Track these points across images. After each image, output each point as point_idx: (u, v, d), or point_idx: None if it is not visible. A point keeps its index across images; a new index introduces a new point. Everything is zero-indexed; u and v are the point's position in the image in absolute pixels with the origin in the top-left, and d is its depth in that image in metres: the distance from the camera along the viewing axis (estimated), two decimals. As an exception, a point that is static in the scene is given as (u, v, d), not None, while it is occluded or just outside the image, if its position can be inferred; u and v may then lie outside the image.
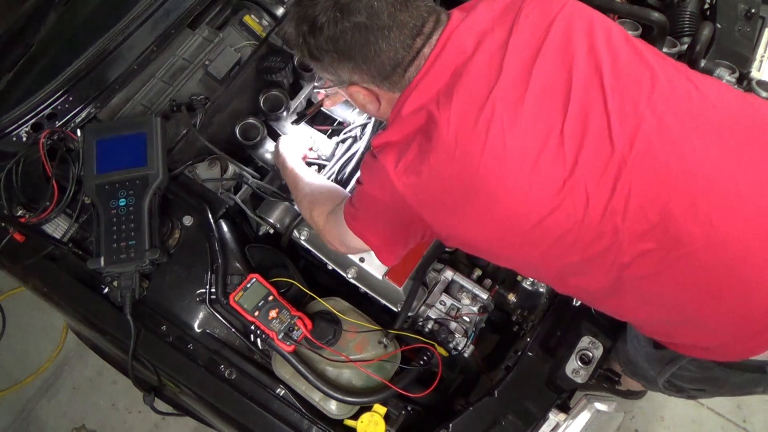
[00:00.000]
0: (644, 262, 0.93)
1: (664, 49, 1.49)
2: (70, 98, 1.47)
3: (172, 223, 1.34)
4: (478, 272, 1.43)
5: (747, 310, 0.94)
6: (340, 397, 1.16)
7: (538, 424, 1.16)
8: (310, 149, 1.53)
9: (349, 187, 1.42)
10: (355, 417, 1.20)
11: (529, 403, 1.19)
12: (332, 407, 1.20)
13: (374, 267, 1.31)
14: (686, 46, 1.53)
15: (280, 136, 1.53)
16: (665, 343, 1.14)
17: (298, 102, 1.57)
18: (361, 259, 1.31)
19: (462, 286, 1.36)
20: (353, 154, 1.48)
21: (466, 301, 1.33)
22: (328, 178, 1.46)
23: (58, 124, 1.44)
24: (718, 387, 1.22)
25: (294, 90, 1.60)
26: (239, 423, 1.23)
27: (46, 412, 2.30)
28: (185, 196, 1.37)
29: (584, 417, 1.12)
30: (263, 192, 1.44)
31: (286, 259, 1.35)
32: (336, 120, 1.64)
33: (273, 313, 1.18)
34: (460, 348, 1.29)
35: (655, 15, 1.41)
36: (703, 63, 1.46)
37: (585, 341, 1.26)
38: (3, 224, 1.33)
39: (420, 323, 1.34)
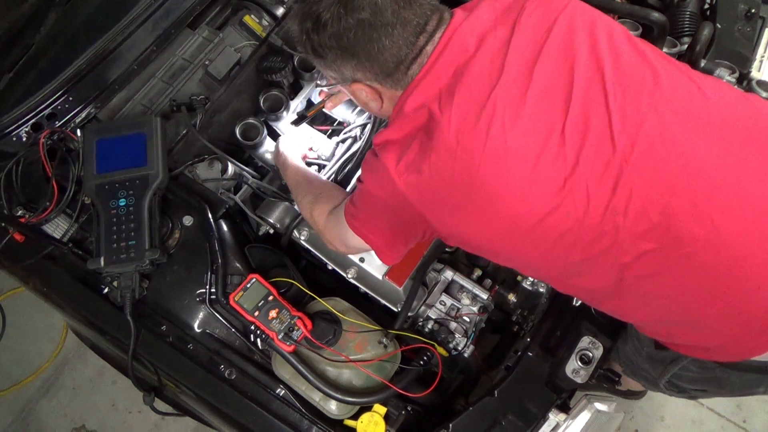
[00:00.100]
0: (645, 262, 0.93)
1: (664, 49, 1.49)
2: (70, 98, 1.46)
3: (172, 223, 1.34)
4: (478, 272, 1.43)
5: (748, 310, 0.94)
6: (340, 397, 1.16)
7: (538, 424, 1.16)
8: (310, 149, 1.53)
9: (349, 187, 1.42)
10: (355, 417, 1.20)
11: (529, 403, 1.19)
12: (332, 407, 1.20)
13: (374, 267, 1.31)
14: (686, 46, 1.53)
15: (280, 136, 1.53)
16: (666, 343, 1.14)
17: (298, 102, 1.57)
18: (361, 259, 1.31)
19: (462, 286, 1.36)
20: (353, 154, 1.48)
21: (466, 301, 1.33)
22: (328, 178, 1.46)
23: (58, 124, 1.44)
24: (719, 387, 1.22)
25: (294, 90, 1.60)
26: (239, 423, 1.23)
27: (46, 412, 2.30)
28: (185, 196, 1.37)
29: (584, 417, 1.12)
30: (263, 192, 1.44)
31: (286, 259, 1.35)
32: (336, 120, 1.64)
33: (273, 313, 1.18)
34: (460, 348, 1.29)
35: (655, 15, 1.42)
36: (703, 63, 1.46)
37: (585, 341, 1.26)
38: (3, 224, 1.33)
39: (420, 323, 1.34)
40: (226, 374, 1.24)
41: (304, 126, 1.54)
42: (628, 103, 0.92)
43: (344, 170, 1.47)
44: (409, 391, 1.20)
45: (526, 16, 0.99)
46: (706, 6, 1.66)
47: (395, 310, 1.31)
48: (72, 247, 1.32)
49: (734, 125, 0.94)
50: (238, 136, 1.48)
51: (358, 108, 1.58)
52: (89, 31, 1.57)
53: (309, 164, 1.48)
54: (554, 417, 1.15)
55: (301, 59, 1.54)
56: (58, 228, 1.33)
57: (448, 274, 1.37)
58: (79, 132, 1.41)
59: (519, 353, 1.27)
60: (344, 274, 1.33)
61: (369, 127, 1.49)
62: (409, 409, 1.25)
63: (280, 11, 1.81)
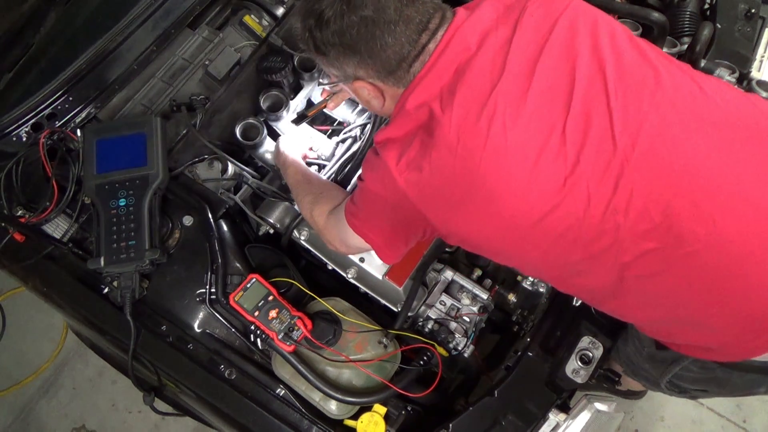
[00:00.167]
0: (646, 262, 0.93)
1: (664, 49, 1.49)
2: (70, 98, 1.47)
3: (172, 223, 1.34)
4: (478, 272, 1.43)
5: (749, 310, 0.94)
6: (340, 397, 1.16)
7: (538, 424, 1.16)
8: (310, 149, 1.53)
9: (349, 187, 1.42)
10: (355, 417, 1.20)
11: (529, 403, 1.19)
12: (332, 407, 1.20)
13: (374, 267, 1.31)
14: (686, 46, 1.53)
15: (280, 135, 1.53)
16: (667, 343, 1.14)
17: (298, 102, 1.57)
18: (361, 259, 1.31)
19: (462, 286, 1.36)
20: (353, 154, 1.48)
21: (466, 301, 1.33)
22: (328, 178, 1.46)
23: (58, 124, 1.44)
24: (720, 388, 1.22)
25: (294, 90, 1.60)
26: (239, 423, 1.23)
27: (46, 412, 2.30)
28: (185, 196, 1.37)
29: (584, 417, 1.12)
30: (263, 192, 1.44)
31: (286, 259, 1.35)
32: (336, 120, 1.64)
33: (273, 313, 1.18)
34: (460, 348, 1.29)
35: (655, 15, 1.42)
36: (703, 63, 1.46)
37: (585, 341, 1.26)
38: (3, 224, 1.33)
39: (420, 323, 1.34)
40: (226, 374, 1.24)
41: (304, 126, 1.54)
42: (630, 102, 0.92)
43: (344, 170, 1.47)
44: (409, 391, 1.20)
45: (528, 16, 0.99)
46: (706, 6, 1.66)
47: (395, 310, 1.31)
48: (72, 247, 1.32)
49: (735, 125, 0.94)
50: (238, 136, 1.48)
51: (358, 108, 1.58)
52: (89, 31, 1.57)
53: (309, 164, 1.48)
54: (554, 417, 1.15)
55: (301, 59, 1.53)
56: (58, 228, 1.33)
57: (448, 274, 1.37)
58: (79, 132, 1.41)
59: (519, 353, 1.27)
60: (344, 274, 1.32)
61: (369, 127, 1.49)
62: (409, 409, 1.25)
63: (280, 11, 1.81)
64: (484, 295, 1.34)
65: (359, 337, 1.23)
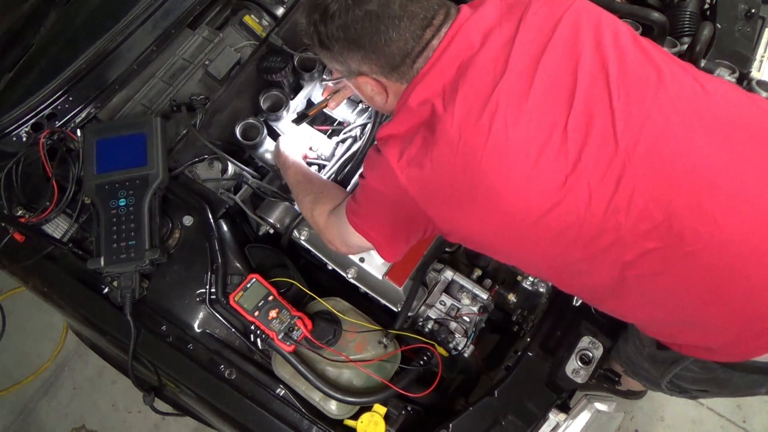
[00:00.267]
0: (647, 261, 0.93)
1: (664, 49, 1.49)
2: (70, 98, 1.47)
3: (172, 223, 1.34)
4: (478, 272, 1.43)
5: (750, 310, 0.94)
6: (340, 397, 1.16)
7: (538, 424, 1.16)
8: (310, 149, 1.53)
9: (349, 187, 1.42)
10: (355, 417, 1.20)
11: (529, 403, 1.19)
12: (332, 407, 1.20)
13: (374, 267, 1.31)
14: (686, 46, 1.53)
15: (280, 136, 1.53)
16: (668, 343, 1.14)
17: (298, 102, 1.57)
18: (361, 260, 1.31)
19: (462, 286, 1.36)
20: (353, 154, 1.48)
21: (466, 301, 1.33)
22: (328, 178, 1.46)
23: (58, 124, 1.44)
24: (721, 388, 1.21)
25: (294, 90, 1.60)
26: (239, 423, 1.23)
27: (46, 412, 2.30)
28: (185, 196, 1.37)
29: (584, 417, 1.12)
30: (263, 192, 1.44)
31: (286, 259, 1.35)
32: (336, 120, 1.64)
33: (273, 313, 1.18)
34: (460, 348, 1.29)
35: (655, 15, 1.42)
36: (703, 63, 1.46)
37: (585, 341, 1.26)
38: (3, 224, 1.33)
39: (420, 323, 1.34)
40: (226, 374, 1.24)
41: (304, 126, 1.54)
42: (632, 101, 0.92)
43: (344, 170, 1.47)
44: (409, 391, 1.20)
45: (532, 14, 0.99)
46: (706, 6, 1.66)
47: (395, 310, 1.31)
48: (72, 247, 1.32)
49: (738, 125, 0.94)
50: (238, 136, 1.48)
51: (359, 108, 1.58)
52: (89, 31, 1.57)
53: (309, 164, 1.47)
54: (554, 417, 1.15)
55: (301, 59, 1.53)
56: (58, 228, 1.33)
57: (448, 274, 1.37)
58: (79, 132, 1.41)
59: (519, 353, 1.27)
60: (344, 274, 1.32)
61: (369, 126, 1.49)
62: (409, 409, 1.25)
63: (280, 11, 1.81)
64: (484, 295, 1.34)
65: (359, 337, 1.23)
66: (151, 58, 1.56)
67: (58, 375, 2.35)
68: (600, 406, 1.14)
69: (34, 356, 2.37)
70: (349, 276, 1.32)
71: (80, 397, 2.31)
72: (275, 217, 1.38)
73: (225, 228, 1.35)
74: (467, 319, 1.32)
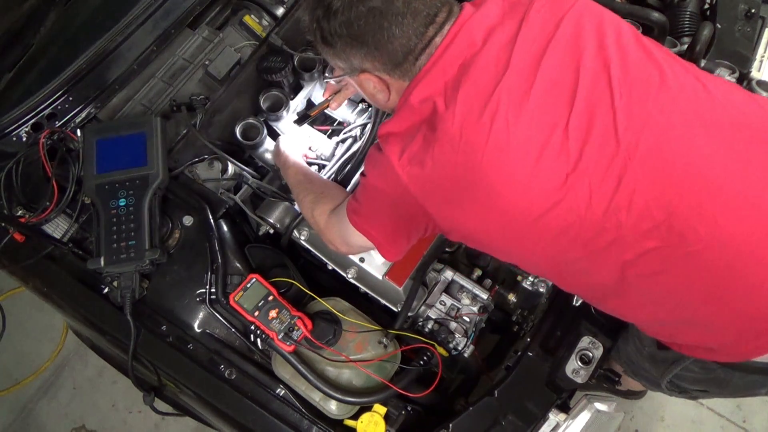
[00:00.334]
0: (648, 260, 0.93)
1: (665, 49, 1.49)
2: (70, 98, 1.47)
3: (172, 223, 1.34)
4: (478, 272, 1.43)
5: (751, 310, 0.94)
6: (340, 397, 1.16)
7: (538, 424, 1.16)
8: (310, 149, 1.53)
9: (350, 187, 1.42)
10: (355, 417, 1.20)
11: (529, 403, 1.19)
12: (332, 407, 1.20)
13: (374, 267, 1.31)
14: (686, 46, 1.53)
15: (279, 136, 1.53)
16: (668, 343, 1.14)
17: (298, 102, 1.57)
18: (361, 260, 1.31)
19: (462, 286, 1.36)
20: (353, 154, 1.48)
21: (466, 301, 1.33)
22: (328, 179, 1.46)
23: (58, 124, 1.44)
24: (721, 388, 1.21)
25: (294, 90, 1.60)
26: (239, 423, 1.23)
27: (46, 412, 2.30)
28: (185, 196, 1.37)
29: (584, 417, 1.12)
30: (263, 192, 1.44)
31: (286, 259, 1.35)
32: (336, 120, 1.64)
33: (273, 313, 1.18)
34: (460, 348, 1.29)
35: (655, 15, 1.42)
36: (703, 63, 1.46)
37: (585, 341, 1.26)
38: (3, 224, 1.33)
39: (420, 323, 1.34)
40: (226, 374, 1.24)
41: (304, 126, 1.54)
42: (634, 101, 0.92)
43: (344, 170, 1.47)
44: (409, 391, 1.20)
45: (534, 12, 1.00)
46: (706, 6, 1.66)
47: (395, 310, 1.31)
48: (72, 247, 1.32)
49: (740, 125, 0.94)
50: (238, 136, 1.48)
51: (359, 108, 1.58)
52: (89, 31, 1.57)
53: (309, 164, 1.47)
54: (554, 417, 1.15)
55: (301, 59, 1.53)
56: (58, 228, 1.33)
57: (448, 274, 1.37)
58: (79, 132, 1.41)
59: (519, 353, 1.27)
60: (344, 274, 1.32)
61: (369, 126, 1.49)
62: (409, 409, 1.25)
63: (280, 11, 1.81)
64: (484, 295, 1.34)
65: (359, 337, 1.23)
66: (151, 58, 1.56)
67: (58, 375, 2.35)
68: (600, 406, 1.14)
69: (34, 356, 2.37)
70: (349, 276, 1.32)
71: (80, 397, 2.31)
72: (275, 217, 1.38)
73: (225, 228, 1.35)
74: (467, 319, 1.32)
